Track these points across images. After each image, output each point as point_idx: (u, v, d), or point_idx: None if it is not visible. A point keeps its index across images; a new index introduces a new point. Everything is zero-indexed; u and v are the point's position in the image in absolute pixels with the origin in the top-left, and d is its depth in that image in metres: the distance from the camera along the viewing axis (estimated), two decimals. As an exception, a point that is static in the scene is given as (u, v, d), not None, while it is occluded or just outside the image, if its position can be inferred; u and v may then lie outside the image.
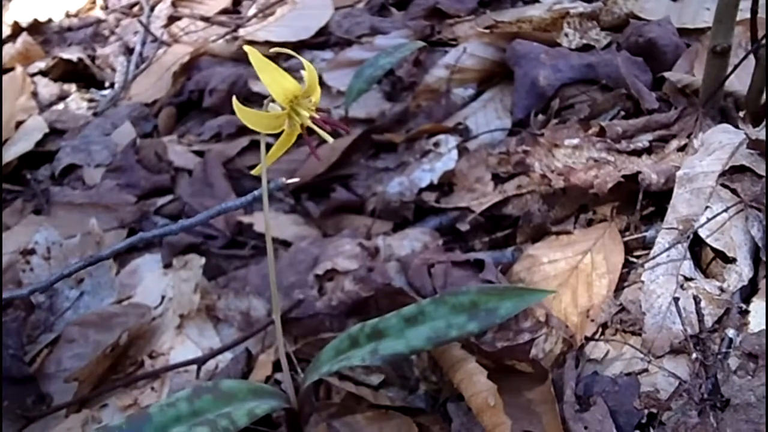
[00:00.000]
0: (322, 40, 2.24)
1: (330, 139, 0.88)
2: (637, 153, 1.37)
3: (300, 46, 2.24)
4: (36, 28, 2.72)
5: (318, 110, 0.89)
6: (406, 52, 1.72)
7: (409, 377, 1.22)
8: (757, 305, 1.07)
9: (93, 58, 2.49)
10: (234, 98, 0.82)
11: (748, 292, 1.10)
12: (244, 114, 0.82)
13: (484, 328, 0.91)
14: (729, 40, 1.32)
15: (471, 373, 1.05)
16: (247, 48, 0.81)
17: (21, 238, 1.65)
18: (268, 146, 0.92)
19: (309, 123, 0.87)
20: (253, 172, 0.93)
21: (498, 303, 0.93)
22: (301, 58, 0.88)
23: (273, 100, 0.87)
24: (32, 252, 1.55)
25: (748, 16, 1.30)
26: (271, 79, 0.82)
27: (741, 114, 1.34)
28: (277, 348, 1.31)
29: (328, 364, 1.03)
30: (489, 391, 1.01)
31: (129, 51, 2.46)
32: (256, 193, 1.07)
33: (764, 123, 1.31)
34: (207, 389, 1.00)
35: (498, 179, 1.49)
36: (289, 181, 1.04)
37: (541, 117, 1.60)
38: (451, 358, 1.09)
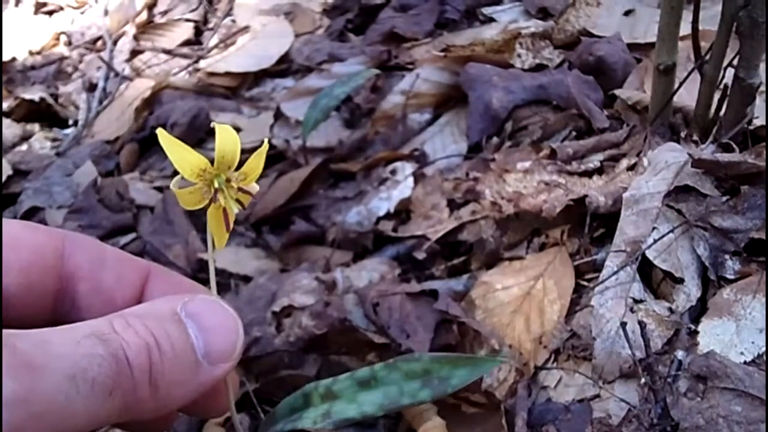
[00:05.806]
0: (284, 67, 2.25)
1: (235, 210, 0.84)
2: (588, 174, 1.38)
3: (262, 75, 2.25)
4: (-1, 67, 2.72)
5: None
6: (360, 81, 1.74)
7: (369, 412, 1.21)
8: (705, 325, 1.07)
9: (56, 97, 2.49)
10: (172, 185, 0.80)
11: (698, 312, 1.11)
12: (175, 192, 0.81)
13: (436, 397, 0.90)
14: (673, 58, 1.33)
15: (422, 409, 1.05)
16: (158, 131, 0.79)
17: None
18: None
19: (225, 201, 0.83)
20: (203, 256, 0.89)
21: (451, 372, 0.92)
22: (217, 125, 0.83)
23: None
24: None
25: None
26: (176, 156, 0.80)
27: (685, 133, 1.34)
28: (238, 386, 1.31)
29: (281, 422, 1.02)
30: (438, 428, 1.01)
31: (92, 87, 2.46)
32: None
33: (710, 139, 1.32)
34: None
35: (453, 205, 1.49)
36: None
37: (495, 140, 1.60)
38: (404, 394, 1.09)
